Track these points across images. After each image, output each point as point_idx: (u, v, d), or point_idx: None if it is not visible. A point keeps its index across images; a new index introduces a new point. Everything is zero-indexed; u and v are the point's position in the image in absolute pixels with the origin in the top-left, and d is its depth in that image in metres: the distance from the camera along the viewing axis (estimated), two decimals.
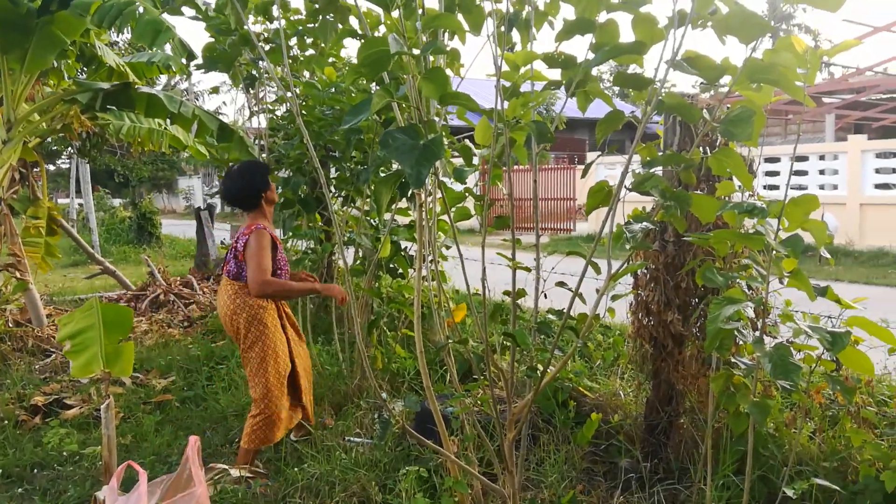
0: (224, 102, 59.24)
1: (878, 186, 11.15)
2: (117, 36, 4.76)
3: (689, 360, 3.30)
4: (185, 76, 5.52)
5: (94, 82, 5.69)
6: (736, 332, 2.41)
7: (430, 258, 2.69)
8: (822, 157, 11.97)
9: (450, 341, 2.44)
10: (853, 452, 2.84)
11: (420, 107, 2.04)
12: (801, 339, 2.56)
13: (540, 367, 2.38)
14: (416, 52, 1.99)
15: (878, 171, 11.20)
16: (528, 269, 2.49)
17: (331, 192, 4.86)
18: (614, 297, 2.70)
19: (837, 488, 2.36)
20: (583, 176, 2.52)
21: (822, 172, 11.96)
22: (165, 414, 4.19)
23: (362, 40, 2.71)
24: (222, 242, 7.81)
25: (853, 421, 2.94)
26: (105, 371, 2.71)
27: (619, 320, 4.56)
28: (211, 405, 4.24)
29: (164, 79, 18.26)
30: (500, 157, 2.51)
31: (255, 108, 4.74)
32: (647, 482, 2.98)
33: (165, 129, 6.83)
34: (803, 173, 12.09)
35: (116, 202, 23.98)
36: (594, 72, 2.46)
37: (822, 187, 11.94)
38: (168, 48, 4.64)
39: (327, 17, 2.49)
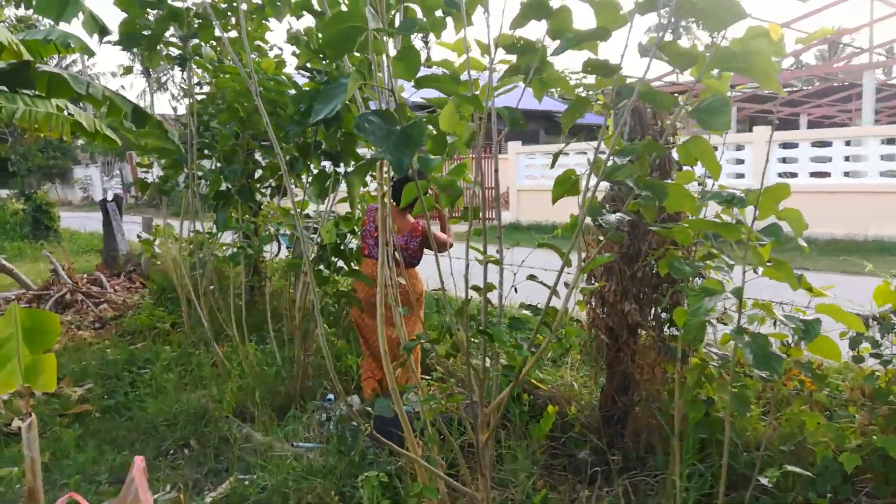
0: (122, 86, 55.87)
1: (780, 175, 11.81)
2: (17, 8, 4.26)
3: (644, 349, 3.30)
4: (87, 56, 5.02)
5: None
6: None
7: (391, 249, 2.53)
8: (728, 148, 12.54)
9: (421, 341, 2.30)
10: (806, 435, 2.91)
11: (394, 90, 1.87)
12: (754, 326, 2.59)
13: (515, 365, 2.27)
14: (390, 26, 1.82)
15: (782, 160, 11.85)
16: (497, 263, 2.37)
17: (257, 182, 4.58)
18: (582, 290, 2.63)
19: (808, 473, 2.39)
20: (552, 166, 2.42)
21: (727, 162, 12.55)
22: (85, 427, 3.81)
23: (317, 16, 2.49)
24: (138, 237, 7.23)
25: (805, 404, 3.01)
26: (25, 386, 2.39)
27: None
28: (137, 414, 3.90)
29: (54, 60, 16.91)
30: (469, 143, 2.38)
31: (185, 91, 4.37)
32: (614, 475, 2.95)
33: (67, 114, 6.24)
34: None
35: (3, 193, 22.09)
36: None
37: (727, 176, 12.52)
38: (77, 22, 4.18)
39: None
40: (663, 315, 3.25)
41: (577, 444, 3.41)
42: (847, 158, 11.47)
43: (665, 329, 3.28)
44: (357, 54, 2.22)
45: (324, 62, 3.07)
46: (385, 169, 2.37)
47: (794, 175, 11.68)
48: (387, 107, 2.08)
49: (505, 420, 3.44)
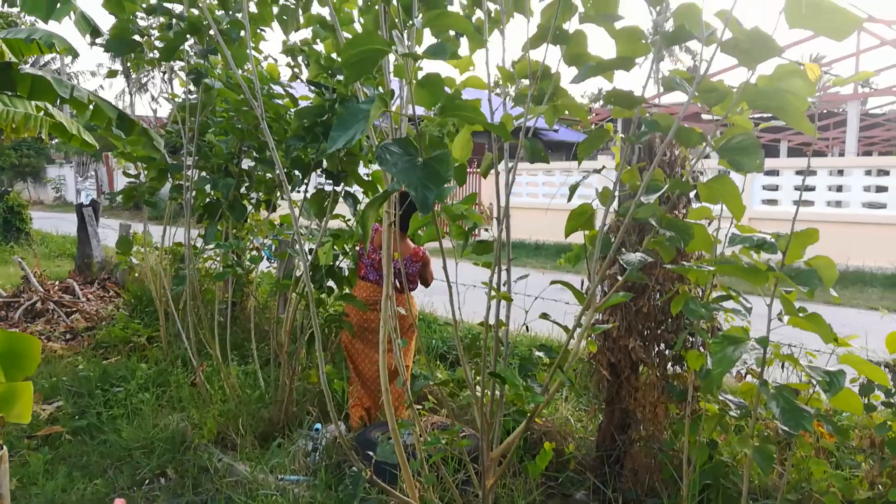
0: (101, 86, 54.83)
1: (764, 202, 11.91)
2: (3, 6, 4.07)
3: (646, 387, 3.20)
4: (71, 57, 4.85)
5: None
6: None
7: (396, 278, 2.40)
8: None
9: (428, 381, 2.17)
10: (813, 484, 2.82)
11: (415, 118, 1.75)
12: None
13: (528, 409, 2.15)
14: (418, 51, 1.71)
15: (764, 187, 11.95)
16: (509, 299, 2.26)
17: (248, 194, 4.42)
18: (593, 329, 2.52)
19: None
20: (569, 200, 2.32)
21: None
22: (55, 450, 3.58)
23: (330, 31, 2.38)
24: (116, 251, 6.97)
25: (812, 450, 2.93)
26: None
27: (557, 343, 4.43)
28: (111, 438, 3.69)
29: (32, 59, 16.48)
30: (486, 172, 2.28)
31: (181, 106, 4.19)
32: None
33: (45, 114, 6.03)
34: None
35: None
36: None
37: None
38: (69, 22, 4.00)
39: (289, 2, 2.12)
40: (667, 352, 3.16)
41: (573, 482, 3.30)
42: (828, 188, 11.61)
43: (668, 367, 3.20)
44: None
45: (332, 79, 2.96)
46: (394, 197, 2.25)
47: (773, 202, 11.79)
48: (404, 135, 1.96)
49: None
